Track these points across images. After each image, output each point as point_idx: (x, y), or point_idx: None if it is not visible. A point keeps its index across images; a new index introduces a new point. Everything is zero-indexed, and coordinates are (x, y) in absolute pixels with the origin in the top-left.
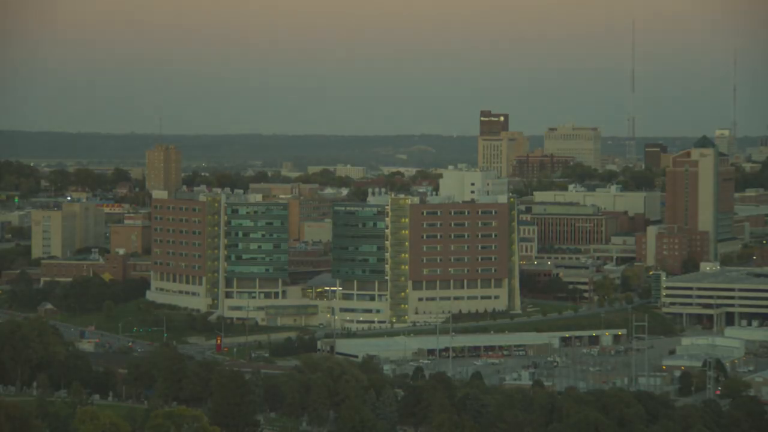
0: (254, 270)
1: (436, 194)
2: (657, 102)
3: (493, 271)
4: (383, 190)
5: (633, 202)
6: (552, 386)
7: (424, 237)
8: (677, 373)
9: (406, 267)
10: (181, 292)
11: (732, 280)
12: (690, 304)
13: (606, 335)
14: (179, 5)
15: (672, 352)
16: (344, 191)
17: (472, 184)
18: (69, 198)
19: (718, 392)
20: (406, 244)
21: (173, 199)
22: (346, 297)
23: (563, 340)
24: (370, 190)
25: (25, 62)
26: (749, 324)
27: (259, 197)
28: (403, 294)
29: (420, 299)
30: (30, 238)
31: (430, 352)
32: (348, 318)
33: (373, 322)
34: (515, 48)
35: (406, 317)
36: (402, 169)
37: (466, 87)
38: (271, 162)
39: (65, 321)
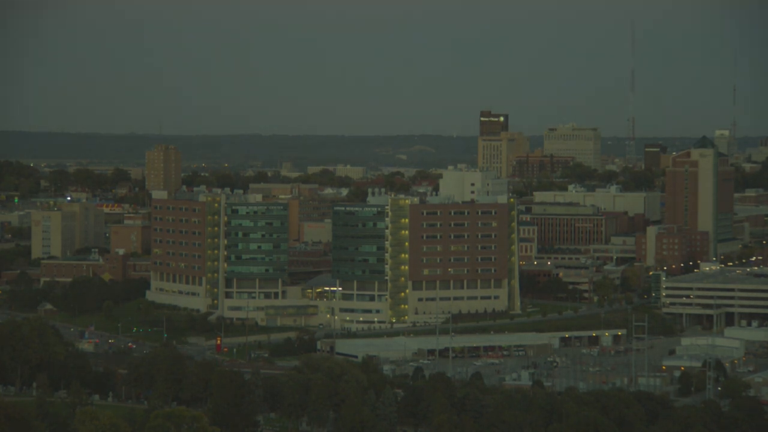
0: (254, 270)
1: (436, 194)
2: (657, 102)
3: (492, 271)
4: (383, 190)
5: (633, 202)
6: (552, 386)
7: (424, 237)
8: (677, 374)
9: (406, 267)
10: (180, 292)
11: (732, 281)
12: (690, 305)
13: (606, 335)
14: (179, 5)
15: (672, 353)
16: (344, 191)
17: (472, 185)
18: (69, 198)
19: None
20: (406, 244)
21: (173, 199)
22: (346, 297)
23: (563, 340)
24: (369, 191)
25: (26, 62)
26: (749, 324)
27: (258, 197)
28: (402, 294)
29: (420, 299)
30: (30, 239)
31: (430, 352)
32: (348, 318)
33: (372, 322)
34: (516, 48)
35: (406, 317)
36: (402, 170)
37: (466, 87)
38: (271, 162)
39: (65, 321)
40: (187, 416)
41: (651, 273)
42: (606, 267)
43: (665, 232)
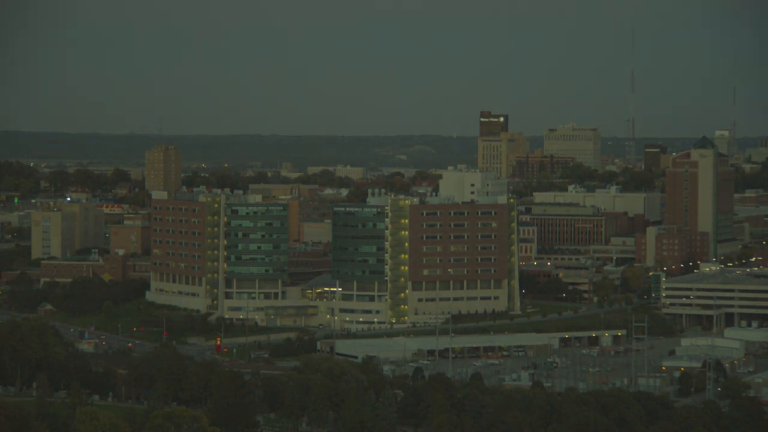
0: (254, 271)
1: (436, 195)
2: (657, 102)
3: (492, 271)
4: (383, 190)
5: (633, 202)
6: (552, 387)
7: (424, 238)
8: (677, 374)
9: (406, 268)
10: (180, 292)
11: (732, 281)
12: (690, 305)
13: (606, 336)
14: (179, 5)
15: (672, 353)
16: (344, 192)
17: (472, 185)
18: (69, 198)
19: None
20: (406, 244)
21: (173, 199)
22: (346, 298)
23: (563, 340)
24: (369, 191)
25: (26, 62)
26: (749, 325)
27: (258, 198)
28: (402, 295)
29: (419, 300)
30: (30, 239)
31: (430, 352)
32: (348, 319)
33: (372, 322)
34: (515, 48)
35: (406, 318)
36: (402, 170)
37: (466, 87)
38: (270, 162)
39: (65, 321)
40: (187, 416)
41: (651, 273)
42: (606, 267)
43: (665, 232)
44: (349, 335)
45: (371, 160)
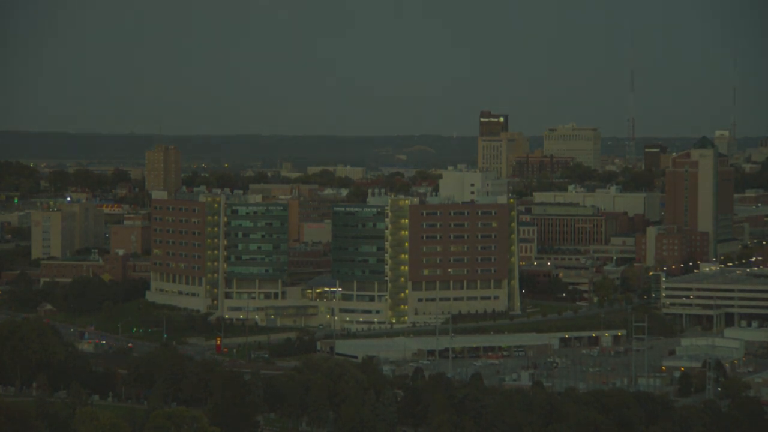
0: (254, 271)
1: (436, 195)
2: (657, 102)
3: (492, 271)
4: (383, 190)
5: (633, 202)
6: (552, 387)
7: (424, 238)
8: (677, 374)
9: (406, 268)
10: (180, 292)
11: (731, 281)
12: (690, 305)
13: (605, 336)
14: (179, 5)
15: (672, 353)
16: (344, 192)
17: (472, 185)
18: (69, 198)
19: None
20: (406, 244)
21: (173, 199)
22: (346, 298)
23: (563, 340)
24: (369, 191)
25: (26, 62)
26: (749, 325)
27: (258, 198)
28: (402, 295)
29: (419, 300)
30: (30, 239)
31: (430, 352)
32: (348, 318)
33: (372, 322)
34: (516, 48)
35: (406, 318)
36: (402, 170)
37: (465, 87)
38: (270, 162)
39: (65, 321)
40: (187, 416)
41: (651, 273)
42: (606, 267)
43: (665, 232)
44: (349, 335)
45: (371, 160)
